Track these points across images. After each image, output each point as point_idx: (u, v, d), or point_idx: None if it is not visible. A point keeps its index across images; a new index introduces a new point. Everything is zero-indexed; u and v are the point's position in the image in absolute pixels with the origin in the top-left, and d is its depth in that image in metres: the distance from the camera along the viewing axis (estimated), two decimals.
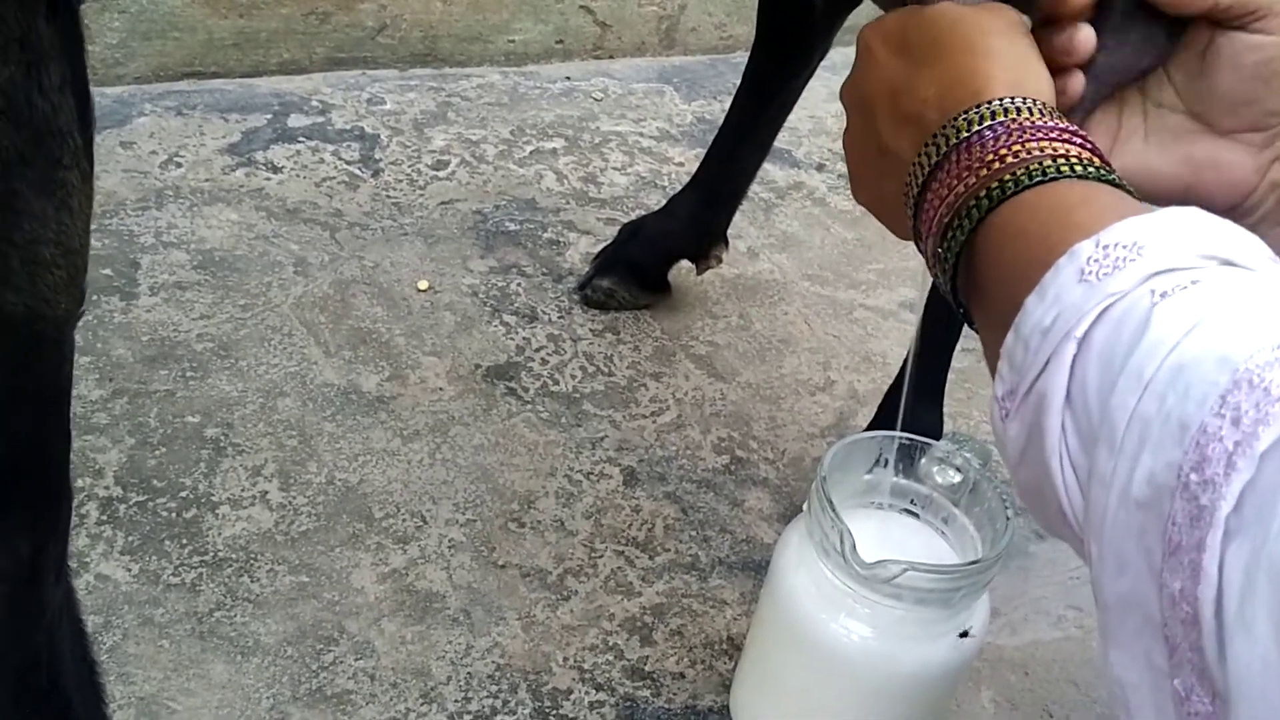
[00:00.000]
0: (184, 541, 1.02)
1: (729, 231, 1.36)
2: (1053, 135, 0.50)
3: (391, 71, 1.74)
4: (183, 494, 1.06)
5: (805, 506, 0.83)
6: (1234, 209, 0.59)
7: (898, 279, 1.50)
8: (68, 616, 0.62)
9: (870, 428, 1.17)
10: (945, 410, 1.17)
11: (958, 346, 1.17)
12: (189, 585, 0.98)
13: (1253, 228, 0.45)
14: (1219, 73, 0.58)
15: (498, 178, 1.55)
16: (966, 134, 0.52)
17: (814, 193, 1.64)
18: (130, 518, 1.03)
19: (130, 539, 1.01)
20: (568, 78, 1.81)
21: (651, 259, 1.36)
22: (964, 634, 0.80)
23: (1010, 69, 0.54)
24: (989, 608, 0.85)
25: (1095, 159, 0.50)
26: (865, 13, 1.41)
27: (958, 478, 0.85)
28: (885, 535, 0.84)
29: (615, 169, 1.61)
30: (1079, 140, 0.50)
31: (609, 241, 1.39)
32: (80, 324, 0.54)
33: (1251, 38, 0.57)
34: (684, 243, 1.35)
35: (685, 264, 1.36)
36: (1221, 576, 0.36)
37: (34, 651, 0.59)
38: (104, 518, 1.02)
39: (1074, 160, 0.49)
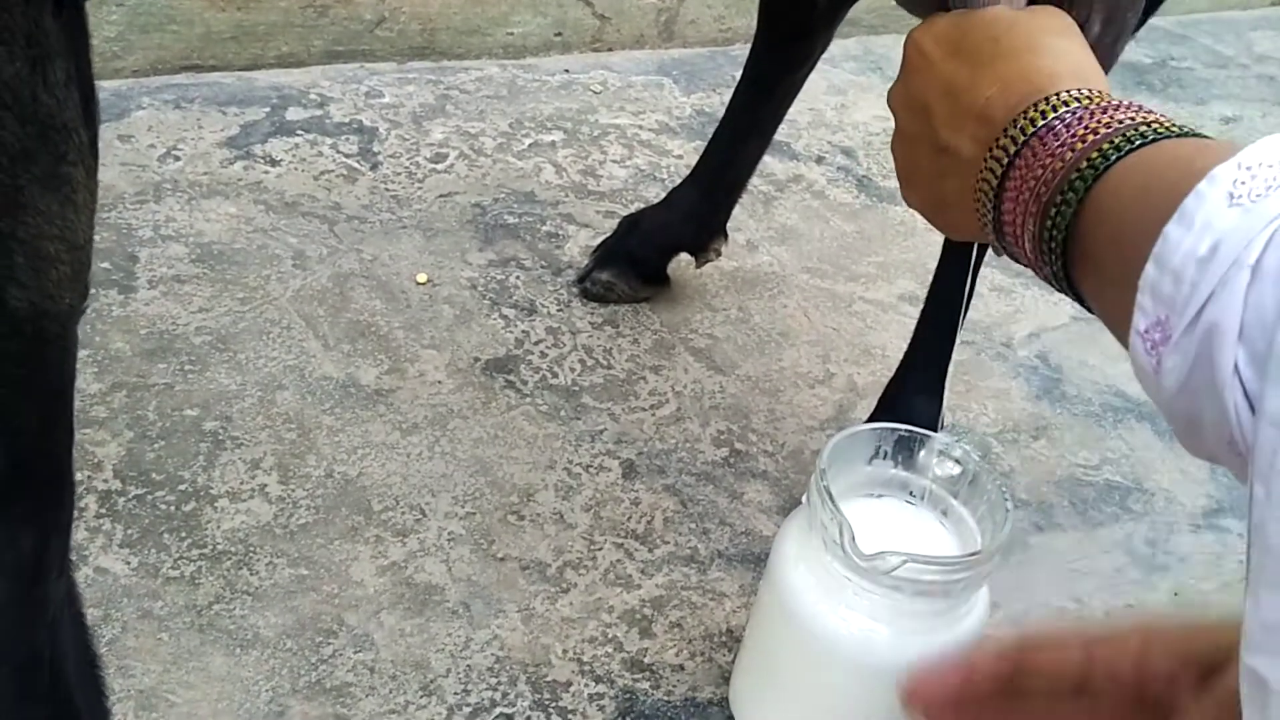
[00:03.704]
0: (183, 534, 1.02)
1: (728, 224, 1.36)
2: (1134, 111, 0.50)
3: (390, 64, 1.74)
4: (181, 487, 1.06)
5: (805, 498, 0.83)
6: None
7: (897, 272, 1.50)
8: (69, 610, 0.62)
9: (870, 420, 1.17)
10: (945, 403, 1.18)
11: (958, 340, 1.17)
12: (188, 578, 0.99)
13: None
14: None
15: (496, 171, 1.55)
16: (1042, 122, 0.52)
17: (813, 186, 1.64)
18: (129, 511, 1.03)
19: (129, 532, 1.01)
20: (566, 70, 1.81)
21: (651, 252, 1.36)
22: None
23: (1074, 65, 0.55)
24: (988, 600, 0.86)
25: (1182, 126, 0.49)
26: (865, 6, 1.41)
27: (957, 470, 0.85)
28: (884, 527, 0.84)
29: (614, 162, 1.61)
30: (1159, 115, 0.50)
31: (608, 234, 1.39)
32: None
33: None
34: (683, 235, 1.35)
35: (684, 257, 1.36)
36: None
37: (36, 645, 0.59)
38: (103, 511, 1.02)
39: (1168, 125, 0.49)
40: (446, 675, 0.95)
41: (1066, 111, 0.52)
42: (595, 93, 1.76)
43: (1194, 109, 2.06)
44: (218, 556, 1.01)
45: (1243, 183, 0.41)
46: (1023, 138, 0.53)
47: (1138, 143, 0.48)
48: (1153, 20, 2.54)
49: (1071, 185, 0.50)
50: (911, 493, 0.88)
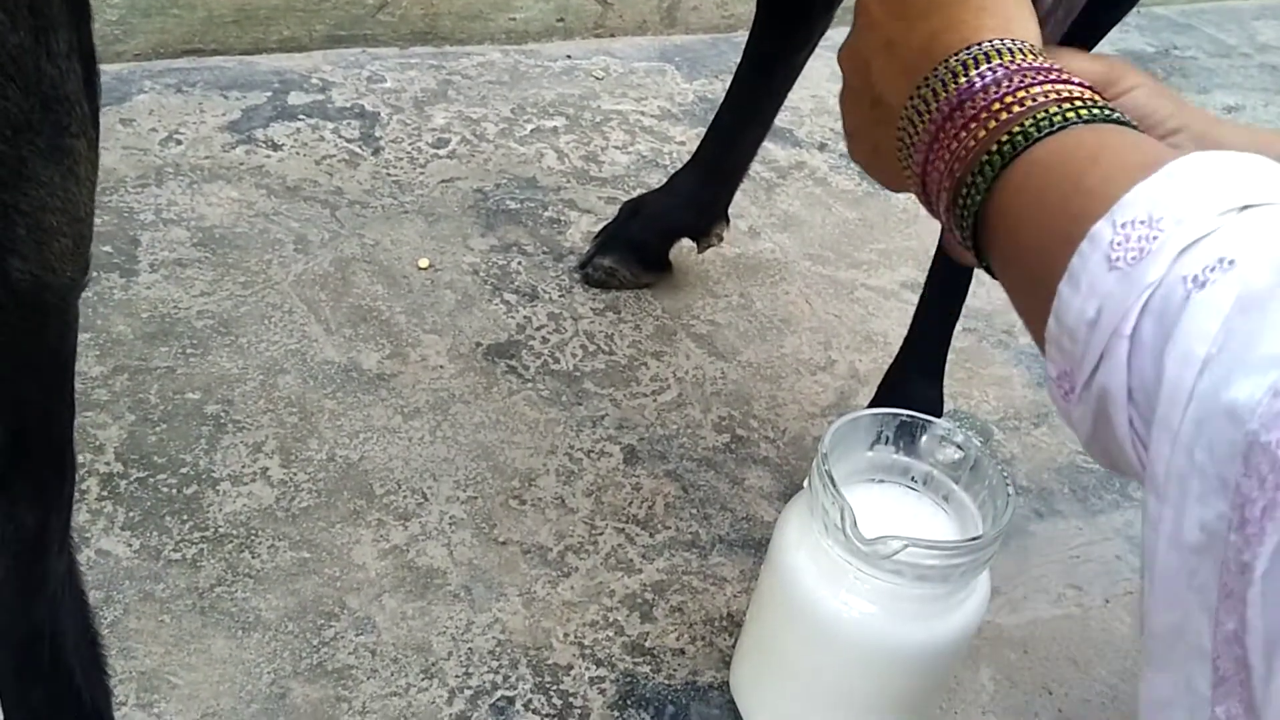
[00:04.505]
0: (185, 517, 1.02)
1: (730, 210, 1.35)
2: (1051, 77, 0.51)
3: (392, 49, 1.73)
4: (183, 470, 1.06)
5: (806, 483, 0.83)
6: None
7: (899, 259, 1.50)
8: (70, 589, 0.62)
9: (870, 407, 1.17)
10: (946, 390, 1.18)
11: (958, 326, 1.17)
12: (190, 561, 0.99)
13: None
14: None
15: (498, 156, 1.55)
16: (964, 78, 0.52)
17: (816, 172, 1.64)
18: (131, 493, 1.03)
19: (131, 515, 1.01)
20: (569, 56, 1.80)
21: (652, 237, 1.35)
22: None
23: (999, 15, 0.55)
24: (989, 586, 0.86)
25: (1096, 98, 0.50)
26: None
27: (958, 455, 0.85)
28: (886, 511, 0.84)
29: (616, 148, 1.61)
30: (1076, 81, 0.51)
31: (610, 220, 1.39)
32: (80, 300, 0.54)
33: None
34: (685, 221, 1.34)
35: (686, 243, 1.36)
36: (1265, 628, 0.36)
37: (37, 623, 0.59)
38: (104, 493, 1.03)
39: (1078, 104, 0.49)
40: (448, 658, 0.95)
41: (986, 69, 0.52)
42: (597, 79, 1.76)
43: (1197, 98, 2.05)
44: (219, 539, 1.01)
45: (1119, 244, 0.42)
46: (941, 91, 0.53)
47: (1046, 130, 0.49)
48: (1156, 9, 2.53)
49: (980, 170, 0.51)
50: (913, 478, 0.87)
